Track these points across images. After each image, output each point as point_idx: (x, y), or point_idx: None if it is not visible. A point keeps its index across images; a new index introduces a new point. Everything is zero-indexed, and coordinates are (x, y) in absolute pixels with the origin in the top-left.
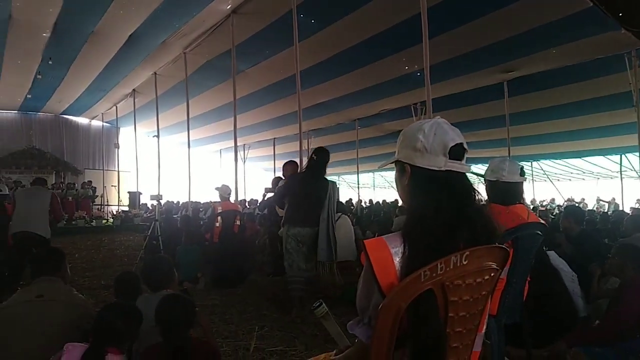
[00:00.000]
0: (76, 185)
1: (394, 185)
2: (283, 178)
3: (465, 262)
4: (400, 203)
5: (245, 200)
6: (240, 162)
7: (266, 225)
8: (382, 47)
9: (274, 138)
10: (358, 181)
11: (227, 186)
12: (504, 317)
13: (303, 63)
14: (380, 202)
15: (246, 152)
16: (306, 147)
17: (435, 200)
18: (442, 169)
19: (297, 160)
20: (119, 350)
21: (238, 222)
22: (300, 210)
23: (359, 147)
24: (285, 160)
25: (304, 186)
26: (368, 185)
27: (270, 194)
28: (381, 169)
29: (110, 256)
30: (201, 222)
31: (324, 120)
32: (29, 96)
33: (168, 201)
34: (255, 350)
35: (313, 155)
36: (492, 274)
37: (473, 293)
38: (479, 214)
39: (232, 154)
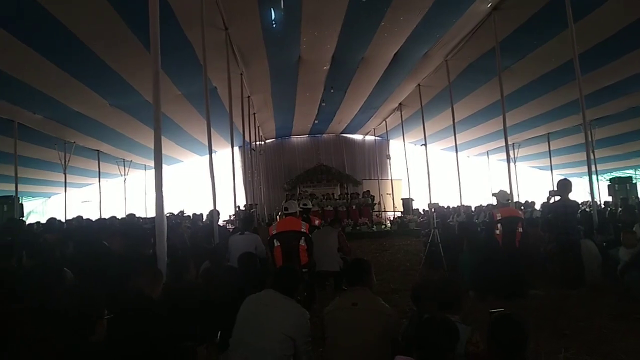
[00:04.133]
0: (358, 195)
1: None
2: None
3: None
4: None
5: (519, 202)
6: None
7: (553, 231)
8: None
9: (548, 133)
10: None
11: (505, 191)
12: None
13: (580, 46)
14: None
15: (516, 151)
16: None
17: None
18: None
19: (584, 154)
20: None
21: (520, 230)
22: None
23: None
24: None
25: None
26: None
27: (556, 197)
28: None
29: (393, 260)
30: (478, 229)
31: (610, 107)
32: (316, 122)
33: (439, 206)
34: None
35: None
36: None
37: None
38: None
39: (499, 155)
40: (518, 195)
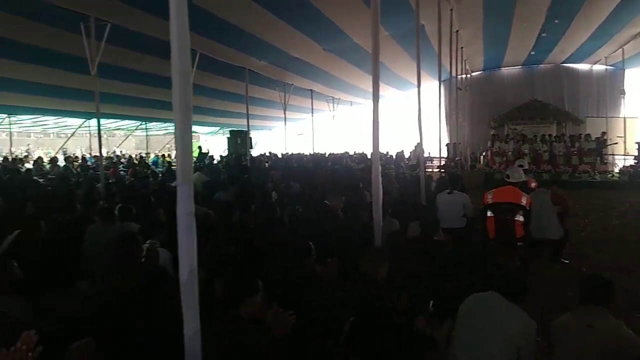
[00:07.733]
0: (581, 136)
1: None
2: None
3: None
4: None
5: None
6: None
7: None
8: None
9: None
10: None
11: None
12: None
13: None
14: None
15: None
16: None
17: None
18: None
19: None
20: None
21: None
22: None
23: None
24: None
25: None
26: None
27: None
28: None
29: (622, 225)
30: None
31: None
32: (532, 53)
33: None
34: None
35: None
36: None
37: None
38: None
39: None
40: None
